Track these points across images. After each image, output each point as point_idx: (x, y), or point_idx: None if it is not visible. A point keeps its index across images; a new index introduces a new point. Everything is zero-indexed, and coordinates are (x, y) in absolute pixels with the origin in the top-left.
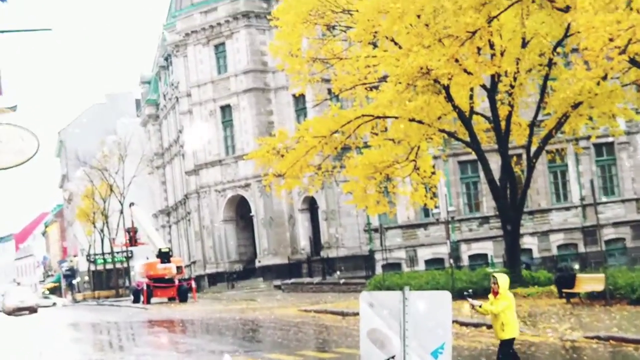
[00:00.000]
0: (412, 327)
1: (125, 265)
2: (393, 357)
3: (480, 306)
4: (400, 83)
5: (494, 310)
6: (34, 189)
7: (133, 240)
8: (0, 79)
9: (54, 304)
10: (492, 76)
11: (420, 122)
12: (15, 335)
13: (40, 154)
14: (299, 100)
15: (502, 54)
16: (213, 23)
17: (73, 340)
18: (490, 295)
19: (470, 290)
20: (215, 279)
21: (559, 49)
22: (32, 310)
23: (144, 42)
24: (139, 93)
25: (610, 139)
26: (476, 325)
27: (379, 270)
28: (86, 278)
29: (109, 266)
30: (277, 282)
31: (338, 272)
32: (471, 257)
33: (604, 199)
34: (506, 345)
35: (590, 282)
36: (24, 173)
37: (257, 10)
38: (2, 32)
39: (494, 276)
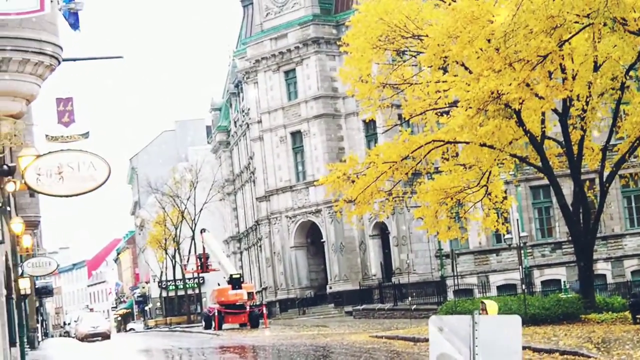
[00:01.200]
0: (481, 351)
1: (196, 291)
2: None
3: None
4: (470, 108)
5: None
6: (106, 216)
7: (204, 267)
8: (73, 106)
9: (148, 327)
10: (564, 100)
11: (491, 147)
12: None
13: (112, 180)
14: (369, 125)
15: (573, 78)
16: (283, 49)
17: None
18: None
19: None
20: (286, 305)
21: (631, 73)
22: (105, 336)
23: (214, 69)
24: (209, 120)
25: None
26: (549, 352)
27: (450, 296)
28: (158, 304)
29: (181, 292)
30: (348, 308)
31: (409, 298)
32: (544, 283)
33: None
34: None
35: None
36: (96, 200)
37: (327, 36)
38: (75, 59)
39: (482, 302)
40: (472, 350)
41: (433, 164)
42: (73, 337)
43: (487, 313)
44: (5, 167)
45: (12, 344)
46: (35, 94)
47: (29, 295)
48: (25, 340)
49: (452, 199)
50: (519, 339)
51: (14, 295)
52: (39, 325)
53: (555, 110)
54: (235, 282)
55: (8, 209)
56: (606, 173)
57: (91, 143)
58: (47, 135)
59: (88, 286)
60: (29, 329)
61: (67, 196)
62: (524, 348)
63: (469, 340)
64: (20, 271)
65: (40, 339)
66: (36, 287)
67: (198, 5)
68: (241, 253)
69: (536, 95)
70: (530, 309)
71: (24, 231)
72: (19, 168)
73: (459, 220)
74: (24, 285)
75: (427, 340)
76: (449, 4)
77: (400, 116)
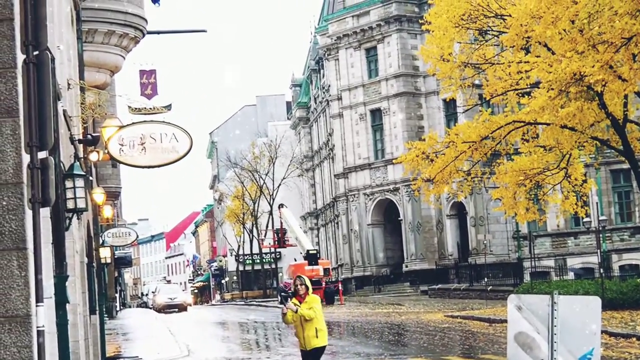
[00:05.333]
0: (560, 331)
1: (273, 266)
2: None
3: (296, 311)
4: (552, 89)
5: (311, 315)
6: (185, 190)
7: (281, 242)
8: (156, 79)
9: (225, 300)
10: None
11: (572, 129)
12: (164, 332)
13: (192, 154)
14: (450, 105)
15: None
16: (365, 27)
17: (221, 338)
18: (295, 300)
19: (287, 292)
20: (362, 282)
21: None
22: (182, 307)
23: (295, 45)
24: (289, 95)
25: None
26: (626, 337)
27: (526, 278)
28: (235, 278)
29: (257, 267)
30: (424, 287)
31: (485, 279)
32: (622, 268)
33: None
34: (319, 354)
35: None
36: (175, 173)
37: (409, 14)
38: (159, 32)
39: (301, 277)
40: (550, 330)
41: (513, 144)
42: (150, 308)
43: (307, 288)
44: (89, 136)
45: (92, 311)
46: (119, 66)
47: (109, 264)
48: (104, 309)
49: (531, 180)
50: (598, 321)
51: (94, 264)
52: (117, 295)
53: (638, 93)
54: (312, 258)
55: (90, 178)
56: None
57: (173, 116)
58: (129, 107)
59: (166, 258)
60: (107, 298)
61: (149, 167)
62: (600, 332)
63: (547, 320)
64: (101, 241)
65: (118, 308)
66: (115, 257)
67: None
68: (318, 229)
69: (619, 77)
70: (607, 294)
71: (105, 201)
72: (102, 138)
73: (537, 202)
74: (105, 254)
75: (502, 321)
76: None
77: (480, 96)
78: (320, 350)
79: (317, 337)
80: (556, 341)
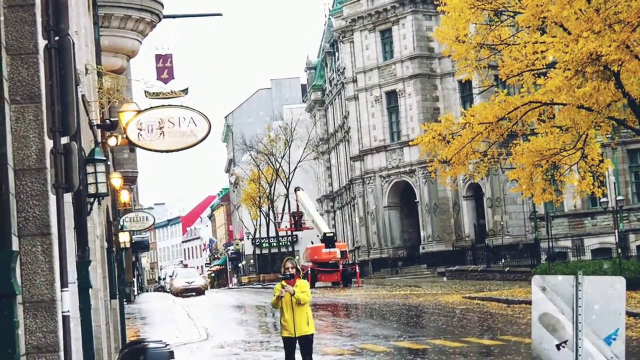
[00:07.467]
0: (584, 312)
1: (290, 249)
2: (565, 342)
3: (293, 294)
4: (569, 69)
5: (306, 299)
6: (201, 173)
7: (298, 225)
8: (172, 63)
9: (242, 284)
10: None
11: (589, 109)
12: (183, 316)
13: (208, 138)
14: (465, 86)
15: None
16: (379, 9)
17: (239, 322)
18: (283, 283)
19: (288, 273)
20: (379, 264)
21: None
22: (200, 291)
23: (310, 28)
24: (304, 78)
25: None
26: None
27: (544, 258)
28: (251, 261)
29: (274, 250)
30: (441, 269)
31: (502, 260)
32: (639, 248)
33: None
34: (310, 343)
35: None
36: (191, 157)
37: None
38: (175, 16)
39: (291, 259)
40: (575, 311)
41: (529, 125)
42: (168, 292)
43: (298, 271)
44: (107, 121)
45: (113, 296)
46: (136, 50)
47: (128, 249)
48: (123, 293)
49: (547, 161)
50: (623, 301)
51: (114, 249)
52: (134, 280)
53: None
54: (329, 241)
55: (109, 163)
56: None
57: (188, 100)
58: (147, 92)
59: (182, 242)
60: (125, 282)
61: (167, 151)
62: None
63: (572, 301)
64: (119, 225)
65: (136, 293)
66: (132, 241)
67: None
68: (334, 212)
69: (636, 57)
70: (625, 273)
71: (122, 186)
72: (121, 123)
73: (554, 183)
74: (124, 239)
75: (520, 302)
76: None
77: (496, 77)
78: (311, 338)
79: (307, 323)
80: (581, 322)
